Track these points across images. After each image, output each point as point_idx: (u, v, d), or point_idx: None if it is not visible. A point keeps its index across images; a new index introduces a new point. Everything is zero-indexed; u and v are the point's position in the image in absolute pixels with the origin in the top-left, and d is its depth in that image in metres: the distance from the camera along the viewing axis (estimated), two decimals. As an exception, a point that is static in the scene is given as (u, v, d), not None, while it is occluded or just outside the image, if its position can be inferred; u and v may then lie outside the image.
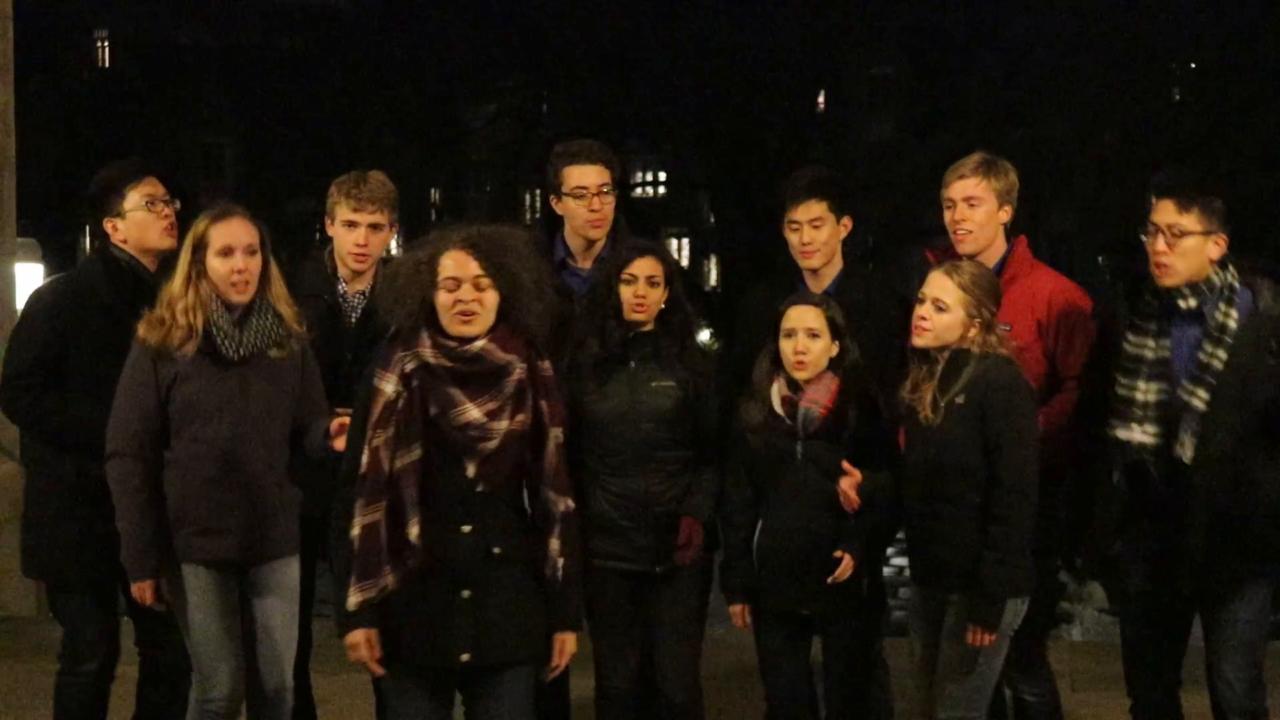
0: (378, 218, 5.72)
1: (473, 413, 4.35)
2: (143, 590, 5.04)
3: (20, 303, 10.13)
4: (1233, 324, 4.96)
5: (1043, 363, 5.41)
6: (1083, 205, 29.23)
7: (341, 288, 5.77)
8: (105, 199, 5.52)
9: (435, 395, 4.37)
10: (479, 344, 4.38)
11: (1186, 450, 4.95)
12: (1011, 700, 5.58)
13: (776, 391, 5.30)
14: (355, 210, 5.70)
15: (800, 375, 5.26)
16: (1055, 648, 5.75)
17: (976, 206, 5.51)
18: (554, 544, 4.47)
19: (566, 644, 4.53)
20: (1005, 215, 5.58)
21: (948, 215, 5.54)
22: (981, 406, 5.02)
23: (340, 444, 4.87)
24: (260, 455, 5.06)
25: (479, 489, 4.39)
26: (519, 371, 4.40)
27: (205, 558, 5.02)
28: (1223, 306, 4.98)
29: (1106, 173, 26.92)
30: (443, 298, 4.37)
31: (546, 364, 4.49)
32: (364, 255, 5.73)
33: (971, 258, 5.48)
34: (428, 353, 4.38)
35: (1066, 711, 5.75)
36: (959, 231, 5.53)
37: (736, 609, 5.41)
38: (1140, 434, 5.01)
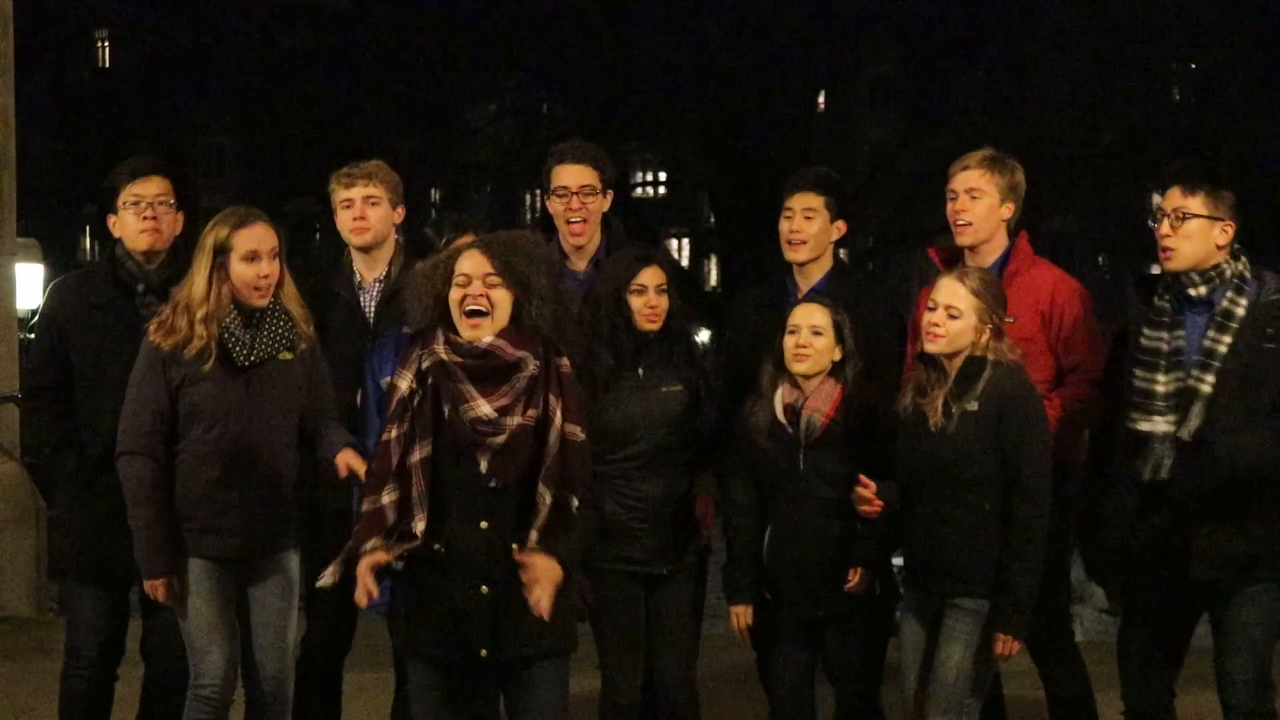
0: (370, 190, 5.69)
1: (483, 408, 4.42)
2: (155, 588, 5.07)
3: (20, 303, 10.18)
4: (1240, 311, 5.01)
5: (1047, 356, 5.43)
6: (1083, 205, 29.19)
7: (358, 279, 5.75)
8: (108, 194, 5.52)
9: (448, 392, 4.44)
10: (488, 340, 4.45)
11: (1187, 432, 4.97)
12: (1046, 699, 5.56)
13: (779, 398, 5.29)
14: (347, 188, 5.72)
15: (799, 369, 5.24)
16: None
17: (978, 199, 5.53)
18: (532, 535, 4.42)
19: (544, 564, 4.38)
20: (1007, 212, 5.58)
21: (949, 206, 5.56)
22: (996, 415, 5.02)
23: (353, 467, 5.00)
24: (265, 457, 5.09)
25: (492, 484, 4.44)
26: (531, 368, 4.45)
27: (208, 554, 5.06)
28: (1230, 294, 5.03)
29: (1106, 173, 26.89)
30: (454, 294, 4.47)
31: (565, 361, 4.54)
32: (363, 227, 5.68)
33: (972, 249, 5.52)
34: (441, 349, 4.46)
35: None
36: (958, 222, 5.55)
37: (739, 609, 5.40)
38: (1163, 424, 5.03)
